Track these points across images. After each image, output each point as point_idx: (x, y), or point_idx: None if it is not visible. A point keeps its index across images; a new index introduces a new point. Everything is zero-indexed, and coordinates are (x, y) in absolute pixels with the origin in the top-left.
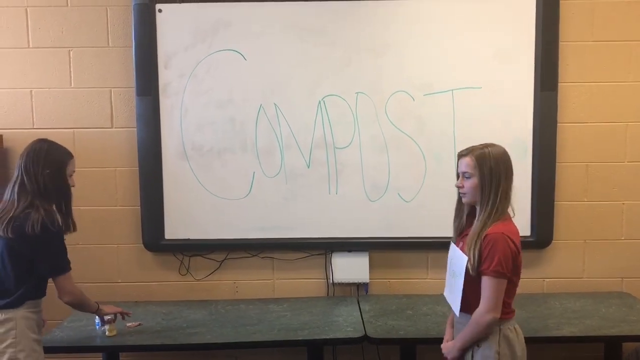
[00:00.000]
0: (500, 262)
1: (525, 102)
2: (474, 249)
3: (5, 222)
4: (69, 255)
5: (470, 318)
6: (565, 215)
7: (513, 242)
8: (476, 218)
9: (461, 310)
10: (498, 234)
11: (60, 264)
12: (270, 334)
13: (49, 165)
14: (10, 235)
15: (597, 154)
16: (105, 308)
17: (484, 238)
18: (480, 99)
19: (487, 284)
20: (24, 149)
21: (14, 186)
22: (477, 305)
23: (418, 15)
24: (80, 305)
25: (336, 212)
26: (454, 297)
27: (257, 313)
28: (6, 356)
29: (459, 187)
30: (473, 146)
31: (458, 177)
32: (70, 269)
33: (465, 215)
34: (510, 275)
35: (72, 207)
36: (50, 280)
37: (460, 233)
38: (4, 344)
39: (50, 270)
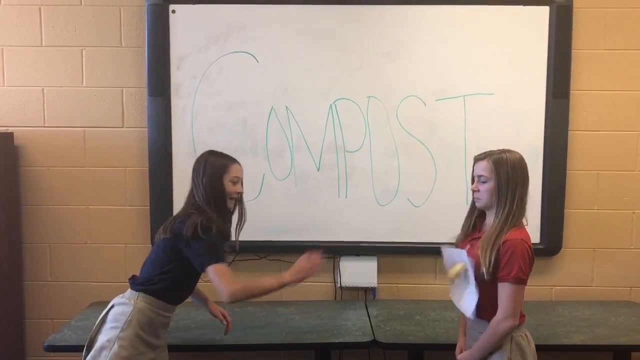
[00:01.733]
0: (521, 268)
1: (537, 109)
2: (489, 255)
3: (169, 223)
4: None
5: (483, 323)
6: (575, 223)
7: (531, 249)
8: (490, 223)
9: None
10: (517, 240)
11: (204, 259)
12: (279, 336)
13: (207, 172)
14: (168, 235)
15: (608, 162)
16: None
17: (502, 244)
18: (492, 106)
19: (507, 291)
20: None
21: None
22: (490, 309)
23: (431, 20)
24: (246, 294)
25: (345, 216)
26: (466, 302)
27: (265, 315)
28: (106, 335)
29: (474, 191)
30: (490, 150)
31: (473, 180)
32: (220, 260)
33: (475, 217)
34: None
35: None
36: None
37: (466, 235)
38: (111, 324)
39: (199, 266)
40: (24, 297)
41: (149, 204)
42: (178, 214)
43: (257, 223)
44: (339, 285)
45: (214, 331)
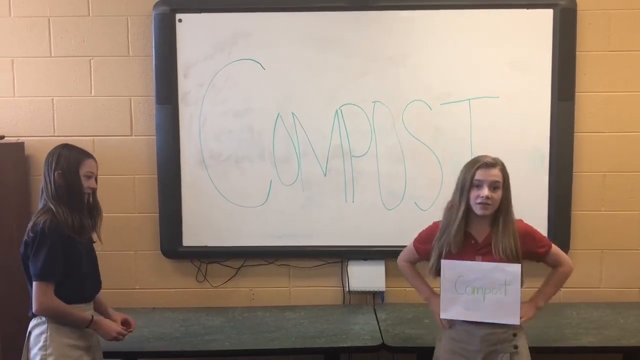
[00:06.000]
0: (544, 235)
1: (542, 111)
2: (518, 254)
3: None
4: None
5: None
6: (582, 225)
7: None
8: (487, 230)
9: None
10: (522, 224)
11: (37, 271)
12: (288, 341)
13: (60, 166)
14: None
15: (614, 163)
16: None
17: (522, 235)
18: (497, 109)
19: (556, 252)
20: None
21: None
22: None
23: (435, 25)
24: (56, 316)
25: (352, 221)
26: (497, 311)
27: (274, 320)
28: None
29: (487, 198)
30: (494, 157)
31: (477, 186)
32: (50, 279)
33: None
34: None
35: (85, 209)
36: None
37: (460, 247)
38: (36, 348)
39: (32, 275)
40: None
41: (158, 211)
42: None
43: (265, 228)
44: (347, 289)
45: (223, 336)
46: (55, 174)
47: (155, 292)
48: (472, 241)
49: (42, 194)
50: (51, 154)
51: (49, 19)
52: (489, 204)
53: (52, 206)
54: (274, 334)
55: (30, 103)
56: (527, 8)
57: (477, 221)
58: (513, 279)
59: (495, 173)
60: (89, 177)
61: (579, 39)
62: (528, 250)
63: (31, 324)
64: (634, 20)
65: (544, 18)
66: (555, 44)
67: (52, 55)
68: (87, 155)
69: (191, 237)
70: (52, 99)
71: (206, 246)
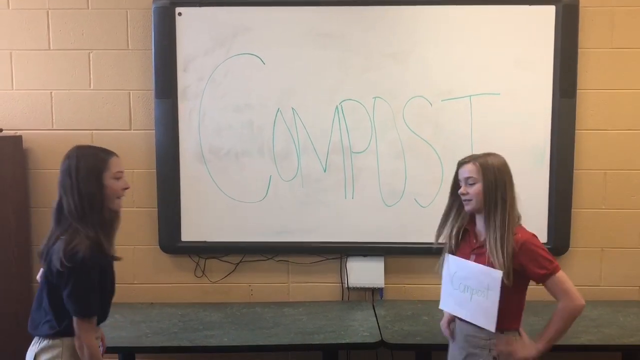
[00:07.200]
0: (551, 257)
1: (543, 108)
2: (505, 259)
3: (44, 250)
4: None
5: (487, 332)
6: (582, 223)
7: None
8: (485, 227)
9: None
10: (529, 236)
11: (81, 309)
12: (286, 337)
13: (81, 175)
14: (45, 267)
15: (615, 161)
16: None
17: (520, 248)
18: (499, 106)
19: (558, 281)
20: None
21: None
22: (503, 314)
23: (436, 21)
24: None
25: (352, 217)
26: (477, 313)
27: (273, 316)
28: None
29: (463, 194)
30: (474, 154)
31: (458, 186)
32: (94, 314)
33: (458, 223)
34: None
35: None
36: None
37: (458, 244)
38: None
39: (71, 311)
40: (33, 298)
41: (157, 206)
42: (50, 240)
43: (264, 224)
44: (346, 286)
45: (221, 332)
46: (81, 184)
47: (153, 287)
48: (474, 240)
49: (59, 212)
50: (67, 162)
51: (47, 12)
52: (467, 200)
53: (81, 227)
54: (272, 329)
55: (28, 96)
56: (530, 4)
57: (479, 220)
58: (494, 285)
59: (468, 168)
60: (118, 178)
61: (582, 35)
62: (522, 265)
63: (36, 346)
64: (638, 17)
65: (547, 14)
66: (558, 41)
67: (51, 48)
68: (109, 153)
69: (190, 232)
70: (51, 92)
71: (205, 241)
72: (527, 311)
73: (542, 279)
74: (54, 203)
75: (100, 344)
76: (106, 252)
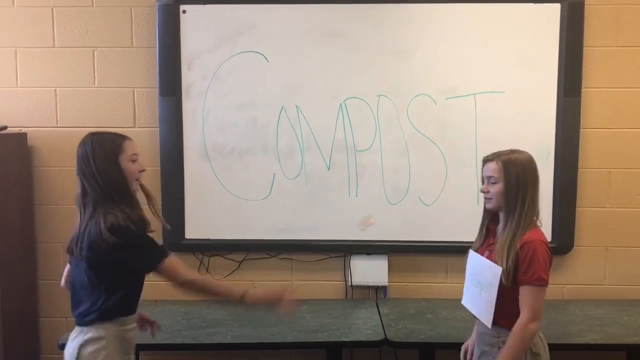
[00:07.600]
0: (543, 269)
1: (548, 107)
2: (508, 259)
3: (76, 241)
4: None
5: (496, 328)
6: (586, 222)
7: (549, 249)
8: (503, 226)
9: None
10: (536, 242)
11: (150, 260)
12: (290, 335)
13: (99, 159)
14: (85, 254)
15: (620, 160)
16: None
17: (521, 247)
18: (503, 104)
19: (529, 293)
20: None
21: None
22: (507, 314)
23: (441, 18)
24: (204, 290)
25: (356, 215)
26: (482, 309)
27: (276, 314)
28: None
29: (483, 192)
30: (499, 151)
31: (483, 182)
32: (164, 253)
33: (487, 221)
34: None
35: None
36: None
37: (483, 241)
38: None
39: (147, 268)
40: (38, 295)
41: (161, 203)
42: (80, 228)
43: (267, 222)
44: (349, 284)
45: (225, 329)
46: (100, 169)
47: (157, 285)
48: (493, 236)
49: (84, 197)
50: (83, 149)
51: (52, 9)
52: (487, 198)
53: (110, 209)
54: (275, 327)
55: (33, 94)
56: (535, 2)
57: (501, 217)
58: (494, 281)
59: (491, 167)
60: (134, 161)
61: (587, 33)
62: (515, 264)
63: (77, 340)
64: None
65: (552, 12)
66: (563, 39)
67: (56, 45)
68: (123, 137)
69: (194, 230)
70: (55, 90)
71: (209, 239)
72: None
73: (521, 282)
74: (77, 194)
75: (149, 327)
76: (136, 227)
